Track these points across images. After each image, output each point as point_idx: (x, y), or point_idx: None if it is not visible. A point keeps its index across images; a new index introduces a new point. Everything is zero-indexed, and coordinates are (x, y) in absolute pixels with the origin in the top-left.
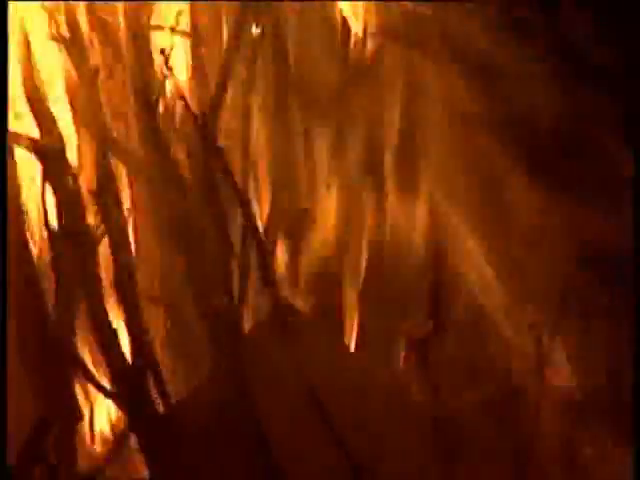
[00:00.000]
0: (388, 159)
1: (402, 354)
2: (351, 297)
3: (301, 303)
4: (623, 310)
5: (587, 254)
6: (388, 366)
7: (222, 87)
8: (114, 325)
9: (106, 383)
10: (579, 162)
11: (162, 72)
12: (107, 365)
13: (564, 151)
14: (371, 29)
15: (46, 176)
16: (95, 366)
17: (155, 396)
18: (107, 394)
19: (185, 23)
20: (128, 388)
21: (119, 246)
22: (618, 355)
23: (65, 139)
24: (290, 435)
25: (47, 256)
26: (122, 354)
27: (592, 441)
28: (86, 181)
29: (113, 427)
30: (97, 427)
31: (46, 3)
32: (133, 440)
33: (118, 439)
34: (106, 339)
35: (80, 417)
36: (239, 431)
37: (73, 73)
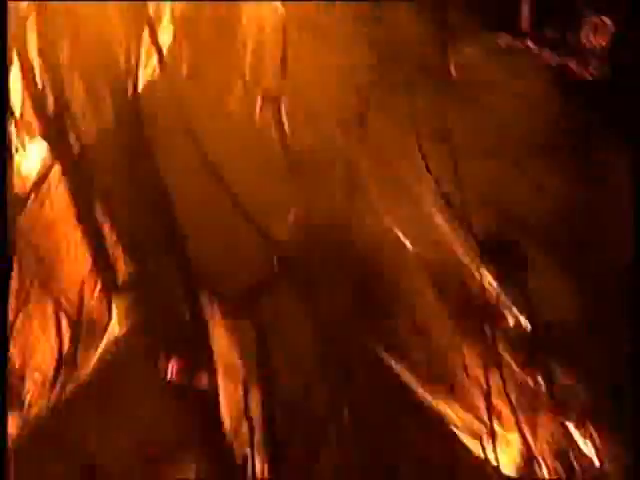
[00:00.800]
0: None
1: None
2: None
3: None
4: None
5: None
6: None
7: None
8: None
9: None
10: None
11: None
12: (35, 113)
13: None
14: None
15: None
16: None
17: (72, 138)
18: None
19: None
20: (53, 129)
21: None
22: None
23: None
24: (189, 193)
25: None
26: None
27: None
28: None
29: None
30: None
31: None
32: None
33: (44, 173)
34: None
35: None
36: (140, 184)
37: None
